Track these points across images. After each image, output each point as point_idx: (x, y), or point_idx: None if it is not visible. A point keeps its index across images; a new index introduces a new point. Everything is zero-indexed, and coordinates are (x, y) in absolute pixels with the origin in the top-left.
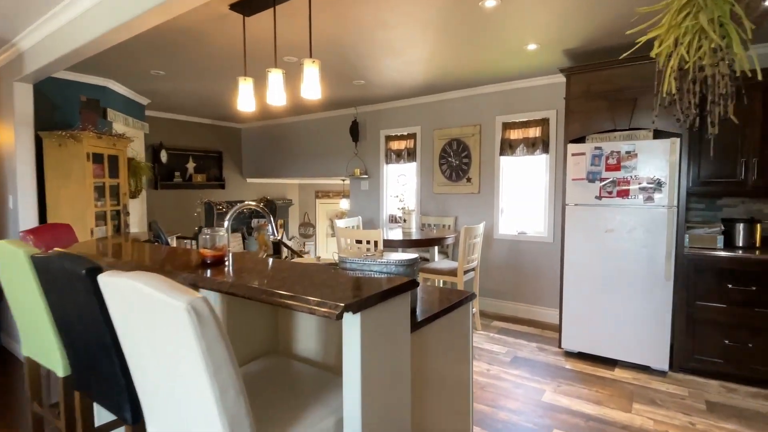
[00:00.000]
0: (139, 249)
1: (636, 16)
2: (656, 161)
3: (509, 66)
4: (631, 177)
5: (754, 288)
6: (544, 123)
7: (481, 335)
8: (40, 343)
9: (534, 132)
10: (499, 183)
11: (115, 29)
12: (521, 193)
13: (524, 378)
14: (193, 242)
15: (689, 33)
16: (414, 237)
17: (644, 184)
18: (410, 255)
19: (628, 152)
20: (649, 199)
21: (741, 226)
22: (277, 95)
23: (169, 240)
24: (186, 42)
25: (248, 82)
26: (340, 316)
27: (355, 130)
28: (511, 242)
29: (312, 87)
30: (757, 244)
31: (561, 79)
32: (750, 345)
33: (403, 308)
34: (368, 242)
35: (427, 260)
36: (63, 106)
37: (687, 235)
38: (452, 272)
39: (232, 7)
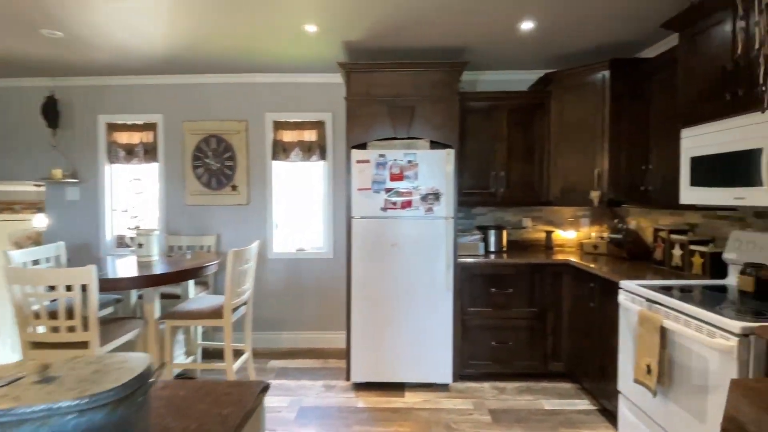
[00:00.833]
0: None
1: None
2: (435, 172)
3: (284, 53)
4: (413, 188)
5: (511, 290)
6: (320, 126)
7: None
8: None
9: (310, 135)
10: (272, 192)
11: None
12: (298, 205)
13: None
14: None
15: None
16: (156, 270)
17: (425, 195)
18: (128, 360)
19: (410, 162)
20: (430, 210)
21: (493, 233)
22: None
23: None
24: None
25: None
26: None
27: (51, 112)
28: (289, 261)
29: None
30: (505, 248)
31: (339, 79)
32: (510, 343)
33: None
34: (69, 288)
35: (178, 297)
36: None
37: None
38: (215, 313)
39: None
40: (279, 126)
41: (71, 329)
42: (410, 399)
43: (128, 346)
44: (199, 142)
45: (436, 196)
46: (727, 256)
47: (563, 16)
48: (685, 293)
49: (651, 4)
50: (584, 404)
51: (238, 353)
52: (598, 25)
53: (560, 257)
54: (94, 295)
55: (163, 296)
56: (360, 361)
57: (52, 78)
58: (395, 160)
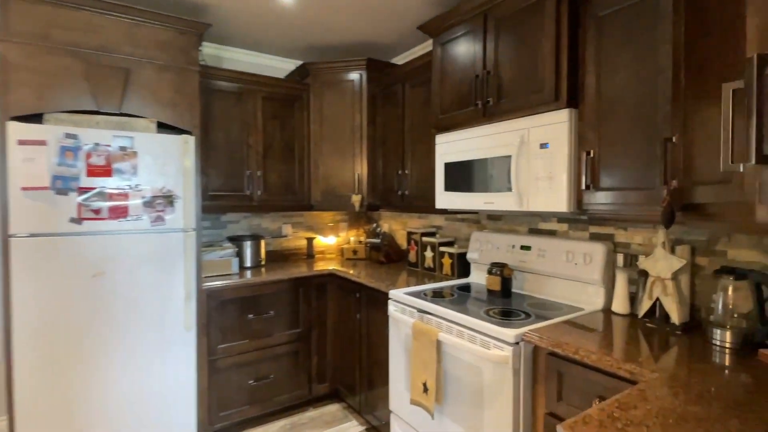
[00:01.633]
0: None
1: None
2: (166, 166)
3: None
4: (131, 188)
5: (272, 313)
6: None
7: None
8: None
9: None
10: None
11: None
12: None
13: None
14: None
15: None
16: None
17: (151, 199)
18: None
19: (123, 148)
20: (159, 219)
21: (249, 244)
22: None
23: None
24: None
25: None
26: None
27: None
28: None
29: None
30: (263, 262)
31: None
32: (272, 376)
33: None
34: None
35: None
36: None
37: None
38: None
39: None
40: None
41: None
42: None
43: None
44: None
45: (169, 199)
46: (471, 255)
47: None
48: (444, 297)
49: (410, 3)
50: (353, 427)
51: None
52: (356, 15)
53: (323, 266)
54: None
55: None
56: None
57: None
58: (97, 144)
